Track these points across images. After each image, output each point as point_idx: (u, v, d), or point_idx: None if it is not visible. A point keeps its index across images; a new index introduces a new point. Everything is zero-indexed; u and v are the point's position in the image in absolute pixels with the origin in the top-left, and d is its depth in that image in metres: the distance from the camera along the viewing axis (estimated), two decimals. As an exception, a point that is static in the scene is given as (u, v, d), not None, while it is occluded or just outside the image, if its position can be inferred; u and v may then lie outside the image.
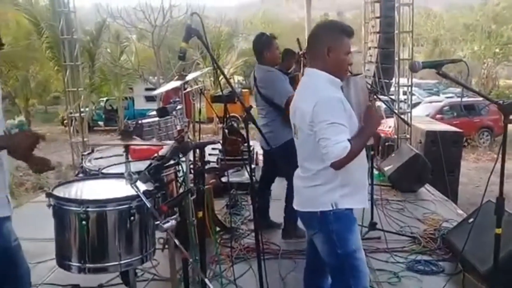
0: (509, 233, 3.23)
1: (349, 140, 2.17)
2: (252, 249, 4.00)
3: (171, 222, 1.96)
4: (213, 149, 7.29)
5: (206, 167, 6.25)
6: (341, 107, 2.23)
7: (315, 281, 2.72)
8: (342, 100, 2.27)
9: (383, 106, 6.93)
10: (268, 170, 4.62)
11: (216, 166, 6.39)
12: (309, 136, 2.28)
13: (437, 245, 4.16)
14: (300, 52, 4.32)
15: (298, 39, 4.60)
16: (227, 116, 5.57)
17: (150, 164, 2.41)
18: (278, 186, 4.54)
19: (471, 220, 3.69)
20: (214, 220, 4.44)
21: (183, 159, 3.14)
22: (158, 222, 2.02)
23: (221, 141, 6.82)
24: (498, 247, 2.42)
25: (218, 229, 4.50)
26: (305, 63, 3.88)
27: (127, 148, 2.29)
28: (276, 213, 4.56)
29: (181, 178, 3.25)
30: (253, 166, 7.01)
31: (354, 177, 2.35)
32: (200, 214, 2.76)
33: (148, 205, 2.08)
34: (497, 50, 28.61)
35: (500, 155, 2.37)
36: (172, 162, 2.98)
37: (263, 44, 4.21)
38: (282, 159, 3.78)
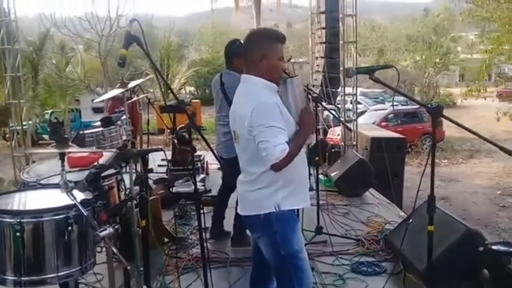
0: (444, 231, 3.41)
1: (287, 142, 2.24)
2: (200, 258, 3.98)
3: (108, 230, 1.93)
4: (162, 160, 7.20)
5: (155, 177, 6.19)
6: (278, 111, 2.32)
7: (261, 284, 2.76)
8: (278, 104, 2.36)
9: (331, 115, 7.14)
10: (229, 179, 4.57)
11: (166, 176, 6.33)
12: (249, 140, 2.34)
13: (380, 246, 4.30)
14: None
15: None
16: (176, 126, 5.54)
17: (90, 172, 2.36)
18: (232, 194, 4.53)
19: (410, 220, 3.85)
20: (162, 231, 4.39)
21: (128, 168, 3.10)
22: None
23: (171, 152, 6.79)
24: (431, 243, 2.55)
25: (166, 240, 4.45)
26: None
27: (62, 156, 2.24)
28: (229, 221, 4.55)
29: (125, 187, 3.20)
30: (203, 175, 7.01)
31: (295, 177, 2.43)
32: (144, 223, 2.73)
33: (85, 213, 2.04)
34: (438, 59, 30.02)
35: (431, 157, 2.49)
36: (113, 170, 2.93)
37: (233, 51, 4.16)
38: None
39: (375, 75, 2.52)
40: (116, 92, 3.14)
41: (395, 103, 19.77)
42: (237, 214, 4.23)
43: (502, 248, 2.96)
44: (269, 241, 2.44)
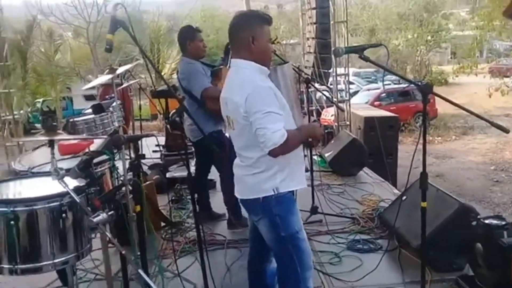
0: (438, 208, 3.44)
1: (286, 130, 2.24)
2: (197, 241, 3.99)
3: (102, 216, 1.93)
4: (157, 145, 7.19)
5: (150, 163, 6.18)
6: (273, 96, 2.29)
7: (259, 265, 2.77)
8: (273, 89, 2.33)
9: (324, 97, 7.14)
10: (200, 161, 4.62)
11: (160, 162, 6.32)
12: (245, 126, 2.32)
13: (375, 224, 4.33)
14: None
15: None
16: (169, 111, 5.50)
17: (81, 159, 2.35)
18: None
19: (405, 197, 3.87)
20: (158, 215, 4.40)
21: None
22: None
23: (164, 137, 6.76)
24: (424, 219, 2.57)
25: (163, 224, 4.47)
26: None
27: (52, 143, 2.22)
28: (222, 204, 4.57)
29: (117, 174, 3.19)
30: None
31: (291, 159, 2.42)
32: (138, 208, 2.72)
33: (77, 199, 2.03)
34: (429, 37, 29.85)
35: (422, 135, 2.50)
36: (105, 157, 2.92)
37: (185, 36, 4.21)
38: (208, 151, 3.79)
39: (366, 54, 2.51)
40: (104, 78, 3.10)
41: (387, 82, 19.82)
42: (225, 198, 4.30)
43: (494, 222, 2.98)
44: (269, 224, 2.45)
